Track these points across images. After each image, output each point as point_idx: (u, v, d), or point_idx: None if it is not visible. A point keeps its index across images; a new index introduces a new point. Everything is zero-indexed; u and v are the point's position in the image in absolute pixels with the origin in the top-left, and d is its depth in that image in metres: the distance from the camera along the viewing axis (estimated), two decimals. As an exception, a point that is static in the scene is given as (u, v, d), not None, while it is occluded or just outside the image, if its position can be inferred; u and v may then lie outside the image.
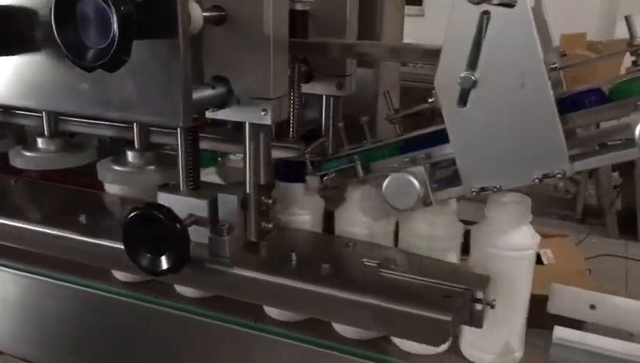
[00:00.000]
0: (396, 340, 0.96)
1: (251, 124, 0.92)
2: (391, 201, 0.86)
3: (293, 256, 0.93)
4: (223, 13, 0.85)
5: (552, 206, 3.88)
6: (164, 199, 0.96)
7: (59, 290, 1.16)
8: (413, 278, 0.87)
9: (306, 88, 1.10)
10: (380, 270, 0.90)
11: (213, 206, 0.95)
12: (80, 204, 1.13)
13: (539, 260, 1.40)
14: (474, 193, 0.84)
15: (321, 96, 1.14)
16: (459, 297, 0.83)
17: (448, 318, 0.79)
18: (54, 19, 0.67)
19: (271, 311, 1.04)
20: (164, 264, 0.88)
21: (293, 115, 1.07)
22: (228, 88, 0.88)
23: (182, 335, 1.08)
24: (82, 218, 1.06)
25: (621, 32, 0.86)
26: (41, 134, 1.13)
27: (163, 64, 0.77)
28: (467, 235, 0.96)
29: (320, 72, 1.10)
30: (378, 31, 1.24)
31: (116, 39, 0.65)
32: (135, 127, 1.05)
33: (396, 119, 0.97)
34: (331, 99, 1.15)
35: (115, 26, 0.65)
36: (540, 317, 0.99)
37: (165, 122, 0.80)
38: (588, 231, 3.22)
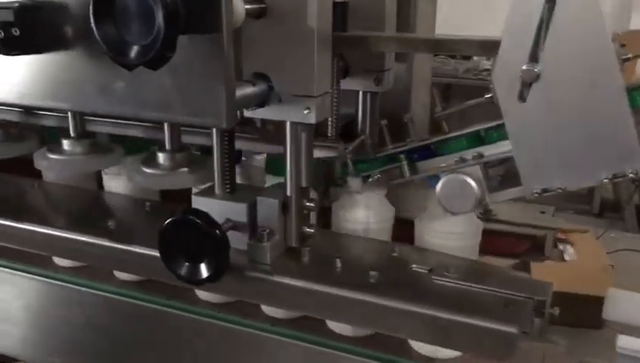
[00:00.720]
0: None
1: (292, 123, 0.86)
2: (446, 204, 0.81)
3: (338, 263, 0.88)
4: (263, 5, 0.80)
5: (568, 200, 3.82)
6: (199, 203, 0.91)
7: (80, 295, 1.11)
8: (469, 286, 0.82)
9: (342, 84, 1.04)
10: (433, 277, 0.84)
11: (252, 210, 0.90)
12: (107, 208, 1.08)
13: (561, 257, 1.35)
14: (536, 195, 0.78)
15: (355, 92, 1.09)
16: (521, 306, 0.78)
17: (514, 330, 0.74)
18: (94, 13, 0.62)
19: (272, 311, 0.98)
20: (203, 272, 0.83)
21: (332, 112, 1.02)
22: (269, 85, 0.83)
23: (206, 340, 1.02)
24: (112, 224, 1.01)
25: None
26: (67, 136, 1.08)
27: (204, 61, 0.72)
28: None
29: (357, 68, 1.05)
30: (412, 22, 1.18)
31: (161, 35, 0.60)
32: (165, 127, 1.00)
33: (443, 115, 0.91)
34: (368, 95, 1.09)
35: (160, 20, 0.59)
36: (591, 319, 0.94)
37: (206, 122, 0.75)
38: (606, 225, 3.15)
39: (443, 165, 0.87)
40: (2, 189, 1.19)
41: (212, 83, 0.72)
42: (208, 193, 0.93)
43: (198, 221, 0.82)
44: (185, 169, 0.99)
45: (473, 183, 0.79)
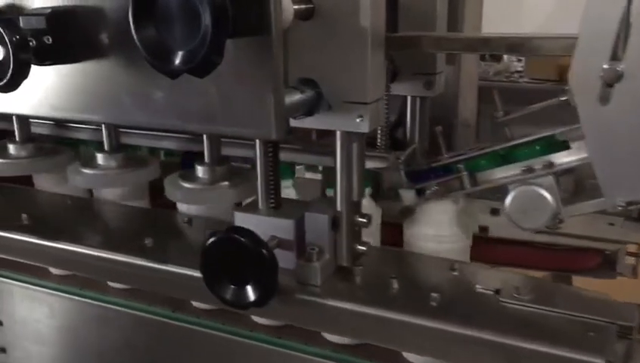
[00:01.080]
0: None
1: (343, 132, 0.80)
2: (517, 219, 0.73)
3: (395, 283, 0.81)
4: (311, 5, 0.74)
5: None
6: (242, 219, 0.85)
7: (114, 314, 1.06)
8: (542, 309, 0.74)
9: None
10: (501, 299, 0.76)
11: (300, 227, 0.83)
12: (144, 225, 1.03)
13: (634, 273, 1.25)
14: (620, 208, 0.70)
15: (403, 97, 1.02)
16: (605, 332, 0.70)
17: (600, 361, 0.66)
18: (133, 17, 0.56)
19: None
20: (249, 296, 0.77)
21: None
22: (317, 91, 0.76)
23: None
24: (149, 242, 0.96)
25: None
26: (101, 150, 1.03)
27: (250, 66, 0.65)
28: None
29: (405, 71, 0.98)
30: (460, 21, 1.11)
31: (208, 39, 0.54)
32: (205, 139, 0.94)
33: (505, 121, 0.84)
34: (417, 100, 1.02)
35: (207, 22, 0.53)
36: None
37: (253, 133, 0.69)
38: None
39: (509, 175, 0.80)
40: (34, 205, 1.15)
41: (260, 90, 0.66)
42: (251, 208, 0.87)
43: (243, 239, 0.75)
44: (226, 183, 0.93)
45: (549, 196, 0.72)
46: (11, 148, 1.09)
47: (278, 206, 0.86)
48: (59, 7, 0.71)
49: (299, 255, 0.84)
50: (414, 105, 1.02)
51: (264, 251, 0.76)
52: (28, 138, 1.09)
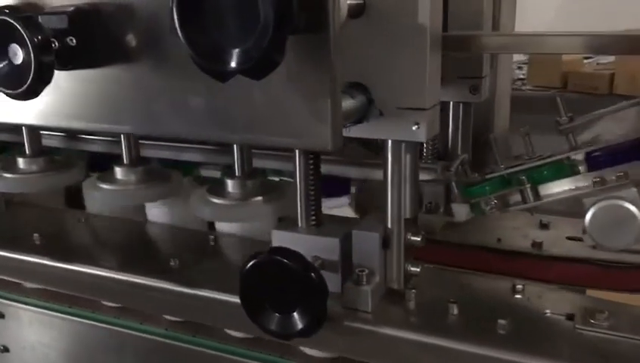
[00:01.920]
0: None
1: (395, 142, 0.72)
2: (599, 237, 0.65)
3: (454, 308, 0.73)
4: (361, 1, 0.66)
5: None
6: (281, 238, 0.77)
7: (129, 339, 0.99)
8: (625, 337, 0.66)
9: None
10: (577, 327, 0.69)
11: (346, 246, 0.76)
12: (169, 244, 0.95)
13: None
14: None
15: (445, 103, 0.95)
16: None
17: None
18: (178, 11, 0.49)
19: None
20: (296, 324, 0.69)
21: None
22: (368, 97, 0.69)
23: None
24: (175, 263, 0.88)
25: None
26: (120, 163, 0.94)
27: (304, 68, 0.58)
28: None
29: (449, 74, 0.91)
30: (497, 19, 1.04)
31: (269, 34, 0.46)
32: (235, 149, 0.86)
33: (570, 127, 0.76)
34: (461, 106, 0.95)
35: (268, 15, 0.46)
36: None
37: (307, 144, 0.61)
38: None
39: (578, 187, 0.72)
40: (46, 224, 1.07)
41: (315, 95, 0.58)
42: (290, 226, 0.79)
43: (289, 261, 0.67)
44: (259, 198, 0.85)
45: (636, 211, 0.64)
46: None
47: (319, 223, 0.79)
48: (83, 4, 0.63)
49: (344, 277, 0.76)
50: (457, 111, 0.95)
51: (312, 274, 0.68)
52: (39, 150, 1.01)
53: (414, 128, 0.68)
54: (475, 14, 0.88)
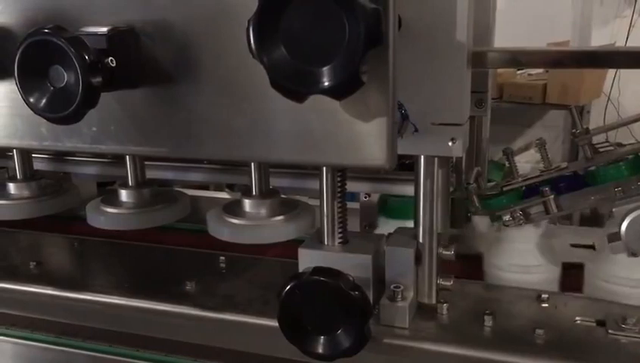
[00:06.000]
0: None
1: (428, 157, 0.73)
2: (634, 247, 0.68)
3: (488, 320, 0.74)
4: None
5: None
6: (309, 257, 0.76)
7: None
8: (658, 340, 0.69)
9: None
10: (610, 331, 0.71)
11: (378, 263, 0.75)
12: (183, 267, 0.92)
13: None
14: None
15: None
16: None
17: None
18: (256, 33, 0.47)
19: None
20: (341, 344, 0.68)
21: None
22: (403, 112, 0.69)
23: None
24: (191, 286, 0.85)
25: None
26: (125, 186, 0.91)
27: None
28: None
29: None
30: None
31: (360, 51, 0.45)
32: (252, 168, 0.85)
33: (586, 138, 0.79)
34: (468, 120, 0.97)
35: (357, 31, 0.45)
36: None
37: (361, 162, 0.60)
38: None
39: (602, 197, 0.75)
40: (40, 250, 1.02)
41: (372, 113, 0.57)
42: (317, 244, 0.78)
43: (333, 282, 0.67)
44: (281, 218, 0.84)
45: (670, 219, 0.67)
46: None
47: (345, 240, 0.78)
48: (122, 26, 0.61)
49: (377, 293, 0.76)
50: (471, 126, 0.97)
51: (357, 293, 0.67)
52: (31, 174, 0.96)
53: (450, 143, 0.69)
54: (487, 29, 0.89)
